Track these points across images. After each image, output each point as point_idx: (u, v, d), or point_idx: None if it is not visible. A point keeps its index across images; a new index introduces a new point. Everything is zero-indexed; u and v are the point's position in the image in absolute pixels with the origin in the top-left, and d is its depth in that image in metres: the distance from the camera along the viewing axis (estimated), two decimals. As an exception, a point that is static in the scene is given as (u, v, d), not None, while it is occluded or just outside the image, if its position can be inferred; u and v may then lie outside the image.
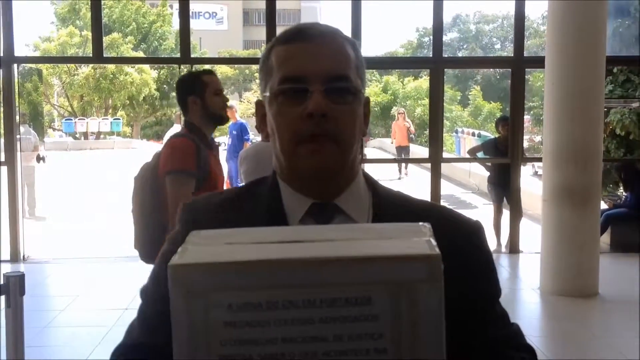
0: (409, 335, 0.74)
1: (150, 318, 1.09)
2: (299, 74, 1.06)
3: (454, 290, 0.88)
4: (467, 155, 19.32)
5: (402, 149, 17.66)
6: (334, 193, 1.11)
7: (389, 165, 18.25)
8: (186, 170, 3.22)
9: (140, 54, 31.80)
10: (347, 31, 8.23)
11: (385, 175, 15.73)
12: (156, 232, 3.20)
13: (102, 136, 31.00)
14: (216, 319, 0.72)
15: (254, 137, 10.44)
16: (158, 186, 3.29)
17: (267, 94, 1.10)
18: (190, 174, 3.22)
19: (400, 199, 1.16)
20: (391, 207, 1.13)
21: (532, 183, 12.23)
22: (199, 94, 3.38)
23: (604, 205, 8.52)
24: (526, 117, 18.00)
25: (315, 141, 1.05)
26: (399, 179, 17.14)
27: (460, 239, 1.09)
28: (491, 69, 39.08)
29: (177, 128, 20.46)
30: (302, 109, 1.05)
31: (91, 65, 29.09)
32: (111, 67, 29.85)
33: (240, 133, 10.27)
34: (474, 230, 1.14)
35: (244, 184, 1.26)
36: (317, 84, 1.04)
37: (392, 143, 18.59)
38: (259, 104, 1.16)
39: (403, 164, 17.90)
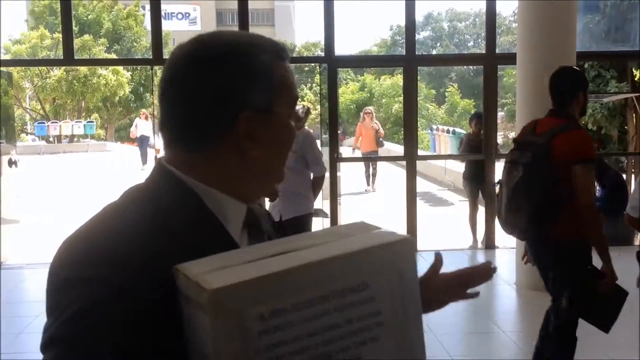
0: (400, 306, 0.90)
1: None
2: (298, 96, 1.14)
3: None
4: (443, 153, 19.29)
5: (369, 157, 14.37)
6: None
7: (360, 169, 15.30)
8: (594, 160, 3.60)
9: (113, 56, 31.50)
10: (320, 30, 8.22)
11: (352, 187, 13.85)
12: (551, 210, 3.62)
13: (75, 139, 30.64)
14: (251, 330, 0.82)
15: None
16: (549, 171, 3.57)
17: (282, 110, 1.08)
18: (594, 163, 3.63)
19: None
20: (258, 207, 1.24)
21: (506, 179, 12.31)
22: (584, 90, 3.74)
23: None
24: (500, 114, 18.01)
25: None
26: (365, 191, 14.77)
27: None
28: (465, 66, 39.38)
29: (143, 124, 19.91)
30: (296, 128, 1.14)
31: (63, 67, 28.75)
32: (84, 69, 29.51)
33: None
34: None
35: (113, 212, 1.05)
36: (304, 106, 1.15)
37: (354, 150, 15.09)
38: (252, 120, 1.06)
39: (371, 176, 14.87)
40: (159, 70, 8.76)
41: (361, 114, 15.50)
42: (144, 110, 22.95)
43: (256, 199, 1.16)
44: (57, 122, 30.70)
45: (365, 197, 13.70)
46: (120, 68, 30.82)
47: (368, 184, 14.84)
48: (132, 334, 0.89)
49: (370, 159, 14.49)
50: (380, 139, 14.66)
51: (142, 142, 19.69)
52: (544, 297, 6.29)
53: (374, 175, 14.96)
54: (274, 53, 1.09)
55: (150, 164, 18.56)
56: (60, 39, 8.16)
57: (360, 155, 14.60)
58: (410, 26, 8.42)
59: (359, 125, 14.90)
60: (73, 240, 1.00)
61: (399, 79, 31.33)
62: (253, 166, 1.08)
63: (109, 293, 0.90)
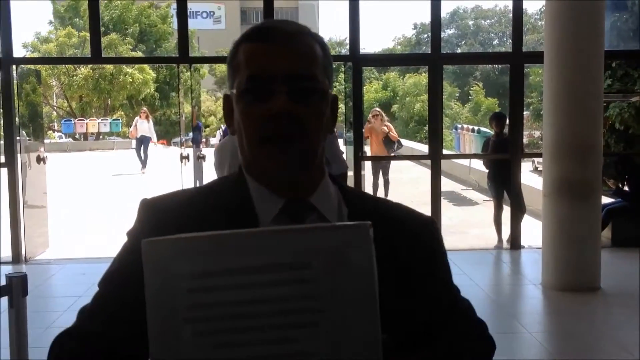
0: (344, 294, 0.84)
1: (112, 307, 1.08)
2: (264, 74, 1.06)
3: (410, 272, 1.03)
4: (467, 152, 19.12)
5: (379, 164, 11.78)
6: (304, 191, 1.12)
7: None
8: None
9: (139, 54, 31.77)
10: (344, 29, 8.23)
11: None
12: None
13: (101, 137, 30.99)
14: (180, 286, 0.83)
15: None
16: None
17: (234, 91, 1.11)
18: None
19: (366, 196, 1.23)
20: (360, 204, 1.17)
21: (531, 179, 12.23)
22: None
23: (605, 200, 8.50)
24: (525, 113, 17.79)
25: (281, 142, 1.06)
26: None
27: (417, 231, 1.18)
28: (490, 65, 39.08)
29: (143, 124, 18.50)
30: (266, 109, 1.05)
31: (90, 65, 29.06)
32: (110, 67, 29.83)
33: None
34: (428, 224, 1.22)
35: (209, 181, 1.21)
36: (281, 84, 1.05)
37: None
38: (226, 99, 1.16)
39: (381, 186, 11.74)
40: (184, 69, 8.81)
41: (369, 116, 12.66)
42: (144, 108, 21.75)
43: (273, 185, 1.11)
44: (83, 120, 31.07)
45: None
46: (146, 66, 31.10)
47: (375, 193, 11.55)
48: (121, 286, 1.08)
49: (394, 158, 12.57)
50: (395, 142, 11.95)
51: (142, 143, 18.54)
52: (569, 297, 6.26)
53: (386, 185, 11.96)
54: (245, 36, 1.13)
55: (150, 166, 18.06)
56: (87, 38, 8.26)
57: (385, 154, 11.81)
58: (436, 24, 8.38)
59: (366, 128, 11.84)
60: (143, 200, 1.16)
61: (421, 77, 31.16)
62: (239, 147, 1.14)
63: (129, 246, 1.11)
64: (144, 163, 18.33)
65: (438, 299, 1.17)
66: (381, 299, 0.86)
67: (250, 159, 1.11)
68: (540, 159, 7.65)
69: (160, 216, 1.11)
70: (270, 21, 1.14)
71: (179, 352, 0.84)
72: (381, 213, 1.14)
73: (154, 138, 20.38)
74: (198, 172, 9.41)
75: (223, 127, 10.00)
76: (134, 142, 19.40)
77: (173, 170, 9.76)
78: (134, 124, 19.47)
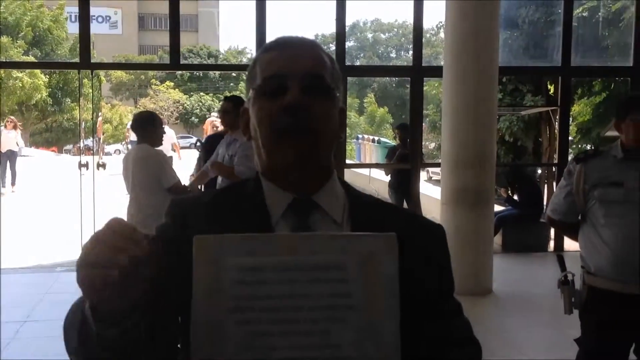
0: (371, 294, 0.96)
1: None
2: (278, 73, 1.15)
3: (414, 280, 1.08)
4: (368, 162, 19.53)
5: None
6: (311, 189, 1.18)
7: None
8: None
9: (32, 59, 30.46)
10: (246, 38, 8.21)
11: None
12: None
13: (-12, 143, 29.41)
14: (228, 278, 0.94)
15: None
16: None
17: (250, 95, 1.19)
18: None
19: (372, 200, 1.27)
20: (364, 207, 1.23)
21: (427, 188, 12.63)
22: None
23: (496, 208, 8.91)
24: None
25: (293, 133, 1.12)
26: None
27: (423, 238, 1.23)
28: (388, 77, 40.03)
29: (9, 135, 15.25)
30: (280, 102, 1.13)
31: (-23, 69, 27.58)
32: (-1, 71, 28.40)
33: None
34: (435, 231, 1.28)
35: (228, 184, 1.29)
36: (294, 81, 1.14)
37: None
38: (244, 112, 1.24)
39: None
40: (84, 76, 8.57)
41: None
42: (10, 117, 17.61)
43: (284, 183, 1.18)
44: (-32, 125, 29.37)
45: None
46: (37, 71, 29.81)
47: None
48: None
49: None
50: None
51: (9, 158, 15.29)
52: (463, 300, 6.48)
53: None
54: (260, 50, 1.24)
55: (20, 183, 16.06)
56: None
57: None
58: (341, 36, 8.51)
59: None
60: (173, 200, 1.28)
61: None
62: (256, 152, 1.22)
63: (159, 228, 1.20)
64: (12, 181, 15.56)
65: (441, 311, 1.24)
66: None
67: (264, 156, 1.18)
68: (434, 169, 7.97)
69: (184, 212, 1.21)
70: (284, 36, 1.24)
71: (221, 339, 0.94)
72: (385, 216, 1.22)
73: (23, 151, 17.56)
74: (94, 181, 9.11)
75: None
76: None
77: (69, 180, 9.37)
78: None
